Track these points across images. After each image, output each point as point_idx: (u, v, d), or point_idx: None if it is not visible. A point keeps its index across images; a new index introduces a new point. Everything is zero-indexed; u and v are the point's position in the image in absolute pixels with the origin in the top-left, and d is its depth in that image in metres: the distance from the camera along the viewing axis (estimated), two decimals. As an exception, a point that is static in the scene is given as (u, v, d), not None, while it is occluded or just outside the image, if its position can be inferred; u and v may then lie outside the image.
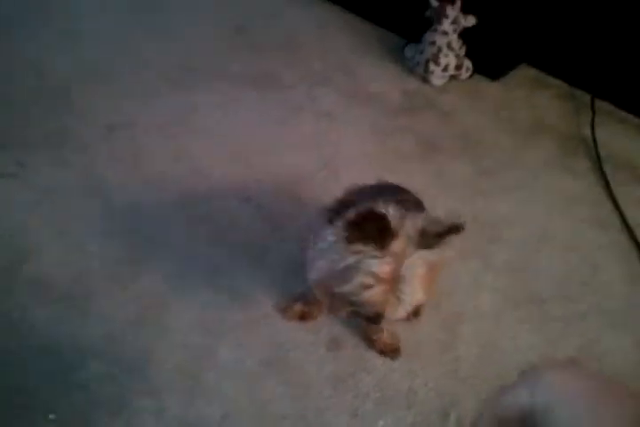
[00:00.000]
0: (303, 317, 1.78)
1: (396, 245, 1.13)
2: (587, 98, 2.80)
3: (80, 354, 1.68)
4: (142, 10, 3.08)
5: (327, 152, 2.43)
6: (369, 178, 2.23)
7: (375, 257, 1.12)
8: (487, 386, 1.69)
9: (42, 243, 1.97)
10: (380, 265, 1.12)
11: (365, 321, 1.25)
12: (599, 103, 2.77)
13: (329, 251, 1.21)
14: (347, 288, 1.15)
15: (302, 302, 1.76)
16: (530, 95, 2.85)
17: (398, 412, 1.65)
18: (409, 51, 2.88)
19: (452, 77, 2.83)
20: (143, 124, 2.45)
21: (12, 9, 2.95)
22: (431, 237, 1.18)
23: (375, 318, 1.19)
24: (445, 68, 2.76)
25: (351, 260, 1.14)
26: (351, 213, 1.16)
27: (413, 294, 1.15)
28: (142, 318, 1.79)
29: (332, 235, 1.21)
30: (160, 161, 2.30)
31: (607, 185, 2.41)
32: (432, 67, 2.74)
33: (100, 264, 1.92)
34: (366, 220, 1.11)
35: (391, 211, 1.17)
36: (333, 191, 2.18)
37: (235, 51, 2.92)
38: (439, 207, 2.16)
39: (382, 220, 1.11)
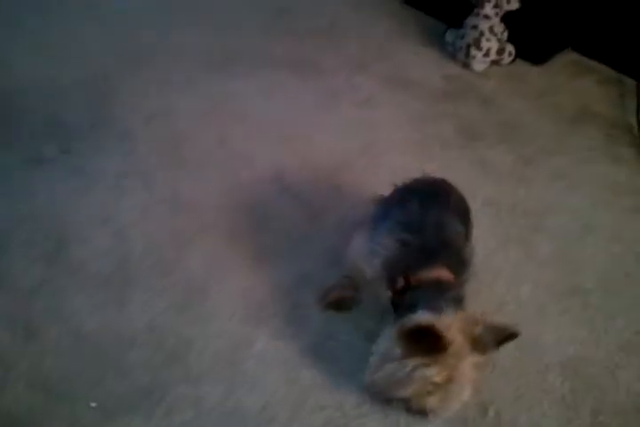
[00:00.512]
0: (339, 306, 1.77)
1: (453, 353, 1.19)
2: (632, 84, 2.75)
3: (120, 342, 1.69)
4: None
5: (367, 139, 2.41)
6: (409, 166, 2.23)
7: (431, 366, 1.19)
8: (526, 381, 1.67)
9: (84, 229, 1.98)
10: (437, 373, 1.19)
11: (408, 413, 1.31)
12: (645, 89, 2.71)
13: (386, 357, 1.29)
14: (402, 394, 1.24)
15: (339, 291, 1.76)
16: (573, 81, 2.79)
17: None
18: (449, 35, 2.84)
19: (494, 62, 2.79)
20: (184, 111, 2.46)
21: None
22: (487, 344, 1.25)
23: (423, 415, 1.26)
24: (487, 53, 2.72)
25: (408, 368, 1.21)
26: (407, 325, 1.23)
27: (463, 394, 1.23)
28: (183, 305, 1.79)
29: (389, 340, 1.30)
30: (201, 147, 2.30)
31: (652, 173, 2.37)
32: (473, 51, 2.70)
33: (141, 251, 1.93)
34: (422, 335, 1.18)
35: (448, 316, 1.25)
36: (373, 179, 2.20)
37: (275, 36, 2.91)
38: (479, 196, 2.17)
39: (438, 335, 1.17)
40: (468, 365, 1.22)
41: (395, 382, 1.24)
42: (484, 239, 2.02)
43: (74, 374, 1.61)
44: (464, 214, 1.66)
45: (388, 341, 1.29)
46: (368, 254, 1.51)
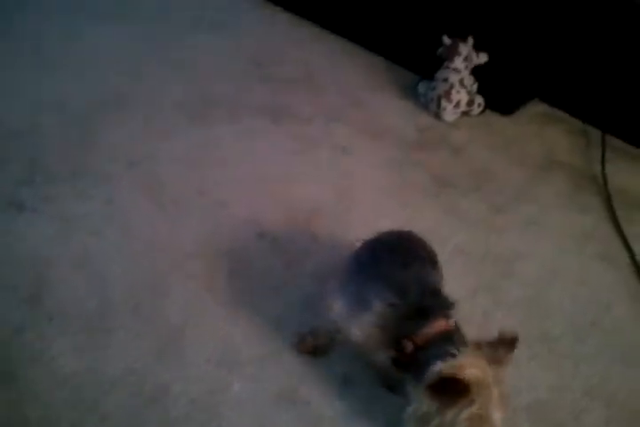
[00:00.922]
0: (315, 351, 1.81)
1: (478, 387, 1.25)
2: (597, 134, 2.86)
3: (100, 385, 1.72)
4: (161, 46, 3.17)
5: (343, 185, 2.48)
6: (383, 212, 2.31)
7: (468, 406, 1.25)
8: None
9: (64, 274, 2.01)
10: (477, 409, 1.24)
11: None
12: (610, 139, 2.83)
13: (426, 418, 1.32)
14: None
15: (314, 336, 1.80)
16: (541, 130, 2.90)
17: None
18: (422, 87, 2.95)
19: (464, 113, 2.90)
20: (164, 157, 2.50)
21: (29, 40, 3.05)
22: (500, 356, 1.35)
23: None
24: (457, 105, 2.82)
25: (450, 417, 1.26)
26: (431, 380, 1.28)
27: (498, 415, 1.26)
28: (161, 349, 1.82)
29: (420, 401, 1.34)
30: (180, 193, 2.34)
31: (616, 221, 2.45)
32: (444, 103, 2.80)
33: (120, 295, 1.96)
34: (447, 385, 1.24)
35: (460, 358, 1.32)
36: (349, 225, 2.26)
37: (252, 85, 3.00)
38: (451, 243, 2.25)
39: (459, 380, 1.23)
40: (495, 392, 1.27)
41: None
42: (454, 287, 2.07)
43: (53, 417, 1.63)
44: (435, 260, 1.72)
45: (419, 402, 1.33)
46: (353, 317, 1.52)
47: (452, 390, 1.23)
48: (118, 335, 1.85)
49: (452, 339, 1.39)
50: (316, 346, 1.80)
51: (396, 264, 1.55)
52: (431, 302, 1.46)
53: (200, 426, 1.65)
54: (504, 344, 1.34)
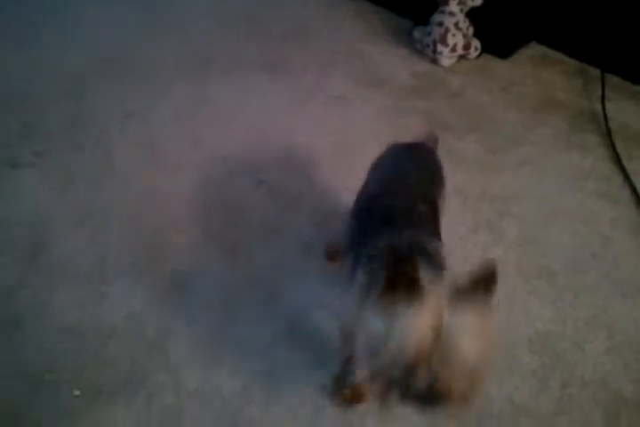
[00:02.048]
0: (353, 399, 1.66)
1: (431, 301, 1.07)
2: (596, 73, 2.82)
3: (101, 333, 1.75)
4: (151, 6, 3.16)
5: (339, 135, 2.47)
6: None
7: (409, 314, 1.05)
8: (497, 356, 1.73)
9: (62, 230, 2.04)
10: (417, 319, 1.04)
11: (424, 405, 1.07)
12: (609, 78, 2.79)
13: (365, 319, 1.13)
14: (390, 353, 1.03)
15: (349, 384, 1.64)
16: (539, 72, 2.87)
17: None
18: (417, 33, 2.91)
19: (461, 57, 2.87)
20: (159, 113, 2.52)
21: (22, 8, 3.05)
22: (470, 289, 1.11)
23: (433, 396, 1.03)
24: (454, 49, 2.79)
25: (386, 322, 1.06)
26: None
27: (466, 352, 1.03)
28: (160, 297, 1.85)
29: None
30: (175, 147, 2.37)
31: (618, 159, 2.43)
32: (440, 47, 2.77)
33: (118, 248, 1.99)
34: (397, 284, 1.06)
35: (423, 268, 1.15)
36: (346, 173, 2.26)
37: (247, 41, 2.99)
38: (449, 185, 2.23)
39: (412, 281, 1.06)
40: (461, 319, 1.05)
41: (378, 342, 1.04)
42: (453, 226, 2.10)
43: (57, 365, 1.67)
44: (440, 174, 1.71)
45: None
46: None
47: (407, 292, 1.05)
48: (118, 285, 1.88)
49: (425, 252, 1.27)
50: (354, 395, 1.66)
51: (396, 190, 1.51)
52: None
53: (202, 366, 1.69)
54: (483, 274, 1.20)
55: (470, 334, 1.04)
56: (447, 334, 1.02)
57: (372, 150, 2.39)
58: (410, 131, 2.49)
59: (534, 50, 2.99)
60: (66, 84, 2.62)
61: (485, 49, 2.89)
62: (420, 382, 1.02)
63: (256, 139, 2.43)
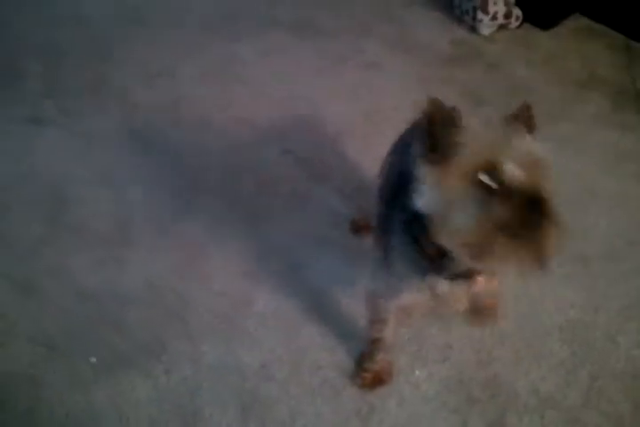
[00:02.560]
0: (375, 382, 1.61)
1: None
2: (640, 49, 2.70)
3: (119, 300, 1.71)
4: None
5: (371, 103, 2.39)
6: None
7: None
8: (525, 345, 1.68)
9: (83, 190, 1.99)
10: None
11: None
12: (654, 55, 2.67)
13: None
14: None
15: (371, 366, 1.59)
16: (582, 46, 2.75)
17: (433, 365, 1.65)
18: (457, -1, 2.80)
19: (501, 26, 2.75)
20: (184, 72, 2.45)
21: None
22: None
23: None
24: (494, 17, 2.68)
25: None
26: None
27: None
28: (182, 264, 1.81)
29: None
30: (201, 109, 2.30)
31: (659, 140, 2.34)
32: (480, 15, 2.66)
33: (141, 212, 1.94)
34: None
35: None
36: (376, 144, 2.18)
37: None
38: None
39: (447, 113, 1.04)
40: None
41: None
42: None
43: (74, 331, 1.64)
44: None
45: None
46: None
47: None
48: (138, 251, 1.84)
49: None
50: (375, 376, 1.60)
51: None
52: None
53: (223, 340, 1.64)
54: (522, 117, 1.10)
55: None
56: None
57: (404, 121, 2.32)
58: (444, 101, 2.40)
59: (578, 22, 2.86)
60: (90, 38, 2.54)
61: (527, 19, 2.78)
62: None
63: (284, 104, 2.35)
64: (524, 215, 0.90)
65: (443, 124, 1.00)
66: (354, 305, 1.71)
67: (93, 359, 1.57)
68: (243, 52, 2.57)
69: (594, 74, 2.61)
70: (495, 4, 2.65)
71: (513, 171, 0.92)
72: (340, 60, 2.59)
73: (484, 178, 0.92)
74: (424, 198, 1.00)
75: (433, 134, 0.99)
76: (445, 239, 0.98)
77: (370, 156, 2.13)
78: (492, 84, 2.51)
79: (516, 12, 2.73)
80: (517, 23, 2.77)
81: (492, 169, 0.92)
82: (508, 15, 2.70)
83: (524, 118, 1.09)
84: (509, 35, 2.76)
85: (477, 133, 0.99)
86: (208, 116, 2.27)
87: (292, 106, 2.34)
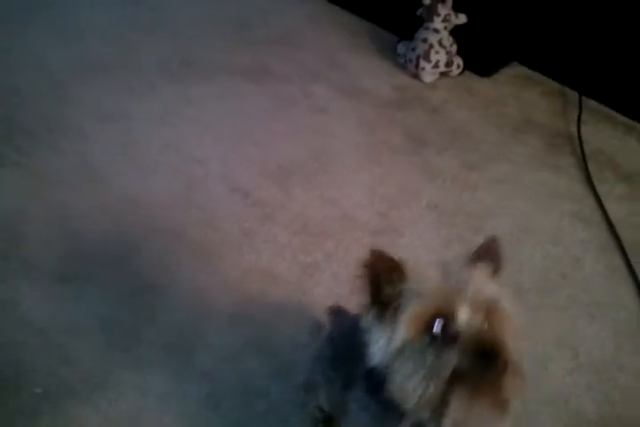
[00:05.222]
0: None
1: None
2: (575, 96, 2.85)
3: (69, 332, 1.74)
4: (141, 8, 3.14)
5: (318, 144, 2.48)
6: (357, 171, 2.33)
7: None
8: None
9: (37, 230, 2.02)
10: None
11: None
12: (587, 101, 2.83)
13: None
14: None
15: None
16: (519, 92, 2.90)
17: None
18: (401, 47, 2.93)
19: (443, 74, 2.89)
20: (139, 115, 2.51)
21: (12, 6, 3.02)
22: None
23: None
24: (436, 65, 2.81)
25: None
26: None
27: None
28: (133, 300, 1.84)
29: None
30: (154, 150, 2.36)
31: (590, 181, 2.46)
32: (423, 63, 2.79)
33: (93, 250, 1.98)
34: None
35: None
36: (323, 182, 2.28)
37: (232, 46, 2.98)
38: (424, 199, 2.26)
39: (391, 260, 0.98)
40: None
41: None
42: (426, 240, 2.12)
43: (18, 362, 1.65)
44: None
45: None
46: None
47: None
48: (91, 287, 1.87)
49: None
50: None
51: None
52: None
53: (169, 370, 1.68)
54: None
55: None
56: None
57: (350, 162, 2.43)
58: (388, 144, 2.51)
59: (516, 70, 3.03)
60: (48, 82, 2.60)
61: (467, 67, 2.92)
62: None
63: (235, 145, 2.43)
64: (480, 363, 0.86)
65: (386, 273, 0.95)
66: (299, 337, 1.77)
67: (38, 390, 1.59)
68: (196, 96, 2.64)
69: (530, 118, 2.76)
70: (437, 53, 2.78)
71: (467, 318, 0.90)
72: (290, 103, 2.69)
73: (436, 326, 0.90)
74: (375, 353, 0.96)
75: (376, 285, 0.96)
76: (400, 394, 0.92)
77: (317, 195, 2.23)
78: (434, 128, 2.63)
79: (457, 60, 2.87)
80: (458, 71, 2.91)
81: (446, 316, 0.90)
82: (449, 63, 2.84)
83: (490, 255, 1.04)
84: (451, 82, 2.90)
85: (429, 280, 0.94)
86: (160, 156, 2.33)
87: (242, 146, 2.42)
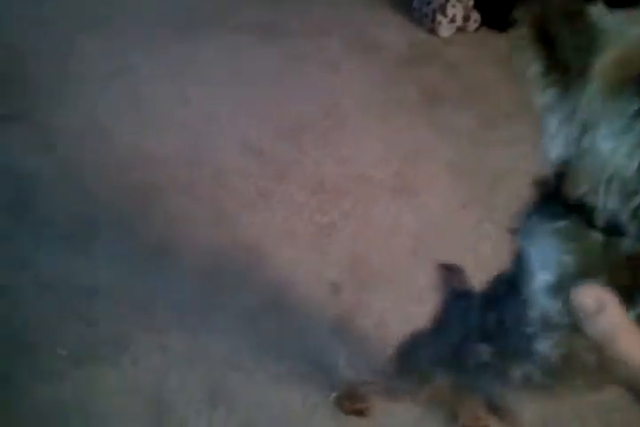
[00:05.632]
0: (360, 412, 1.57)
1: None
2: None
3: (88, 293, 1.71)
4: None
5: (331, 101, 2.42)
6: (372, 128, 2.27)
7: None
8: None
9: (46, 186, 1.98)
10: None
11: None
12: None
13: None
14: None
15: (358, 395, 1.56)
16: (537, 48, 2.82)
17: None
18: (416, 2, 2.85)
19: (460, 29, 2.81)
20: (146, 72, 2.45)
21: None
22: None
23: None
24: (453, 19, 2.74)
25: None
26: None
27: None
28: (146, 258, 1.82)
29: None
30: (161, 106, 2.31)
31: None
32: (439, 17, 2.72)
33: (104, 206, 1.94)
34: None
35: None
36: (337, 139, 2.23)
37: (237, 0, 2.89)
38: (441, 157, 2.22)
39: None
40: None
41: None
42: (443, 200, 2.08)
43: (41, 325, 1.63)
44: None
45: None
46: None
47: None
48: (103, 244, 1.84)
49: None
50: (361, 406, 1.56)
51: None
52: None
53: (189, 331, 1.66)
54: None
55: None
56: None
57: (364, 119, 2.37)
58: (403, 101, 2.45)
59: (533, 25, 2.94)
60: (50, 37, 2.53)
61: (485, 22, 2.84)
62: None
63: (245, 102, 2.37)
64: None
65: (563, 20, 0.63)
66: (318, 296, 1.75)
67: (62, 351, 1.58)
68: (203, 52, 2.58)
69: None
70: (454, 6, 2.71)
71: None
72: (301, 60, 2.62)
73: None
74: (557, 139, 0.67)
75: (549, 39, 0.65)
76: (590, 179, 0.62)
77: (328, 153, 2.19)
78: (451, 84, 2.56)
79: (474, 15, 2.80)
80: (475, 26, 2.83)
81: None
82: (466, 18, 2.77)
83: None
84: (468, 37, 2.82)
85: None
86: (168, 113, 2.28)
87: (253, 104, 2.37)
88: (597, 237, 0.65)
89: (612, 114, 0.59)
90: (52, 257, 1.79)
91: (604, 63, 0.59)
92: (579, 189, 0.64)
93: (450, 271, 1.42)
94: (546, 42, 0.65)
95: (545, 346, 0.72)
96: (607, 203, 0.60)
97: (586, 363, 0.72)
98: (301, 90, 2.48)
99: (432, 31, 2.79)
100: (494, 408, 1.13)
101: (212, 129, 2.25)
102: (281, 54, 2.64)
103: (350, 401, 1.54)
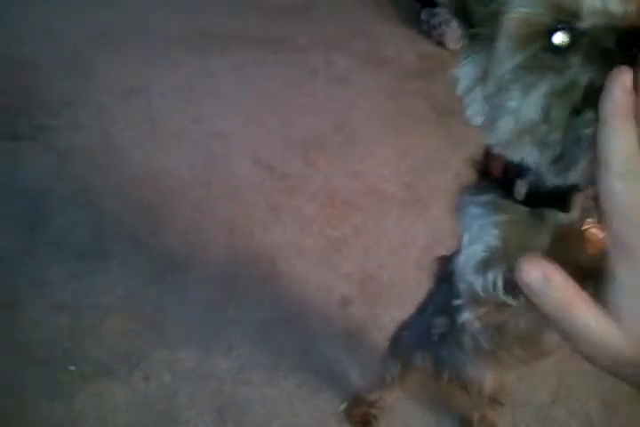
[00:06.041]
0: (367, 421, 1.58)
1: None
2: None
3: (97, 310, 1.73)
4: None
5: (341, 115, 2.44)
6: (381, 142, 2.28)
7: None
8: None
9: (60, 204, 2.01)
10: None
11: None
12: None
13: None
14: None
15: (365, 405, 1.57)
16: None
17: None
18: (425, 14, 2.87)
19: (468, 41, 2.82)
20: (158, 89, 2.47)
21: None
22: None
23: None
24: (460, 31, 2.75)
25: None
26: None
27: None
28: (158, 274, 1.83)
29: None
30: (175, 124, 2.33)
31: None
32: (447, 29, 2.73)
33: (116, 224, 1.96)
34: None
35: None
36: (347, 154, 2.25)
37: (250, 15, 2.93)
38: (451, 170, 2.22)
39: None
40: None
41: None
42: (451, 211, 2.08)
43: (51, 341, 1.65)
44: None
45: None
46: None
47: None
48: (115, 261, 1.86)
49: None
50: (367, 415, 1.58)
51: None
52: None
53: (199, 347, 1.67)
54: None
55: None
56: None
57: (374, 133, 2.38)
58: (413, 114, 2.47)
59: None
60: (65, 57, 2.57)
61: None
62: None
63: (256, 117, 2.40)
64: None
65: None
66: (329, 310, 1.76)
67: (72, 367, 1.59)
68: (215, 68, 2.61)
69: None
70: (462, 18, 2.72)
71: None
72: (312, 74, 2.64)
73: (556, 36, 0.55)
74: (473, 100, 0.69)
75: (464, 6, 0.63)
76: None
77: (340, 167, 2.20)
78: (459, 97, 2.57)
79: (482, 26, 2.81)
80: (484, 37, 2.84)
81: (567, 17, 0.55)
82: (474, 29, 2.78)
83: None
84: (476, 48, 2.83)
85: None
86: (181, 130, 2.30)
87: (264, 119, 2.38)
88: (521, 209, 0.68)
89: (521, 70, 0.60)
90: (64, 274, 1.81)
91: (511, 20, 0.58)
92: (498, 145, 0.66)
93: (448, 264, 1.44)
94: (465, 16, 0.64)
95: (468, 318, 0.75)
96: (526, 157, 0.62)
97: (516, 334, 0.81)
98: (312, 104, 2.50)
99: (440, 43, 2.81)
100: (458, 378, 1.16)
101: (223, 144, 2.27)
102: (292, 69, 2.67)
103: (358, 410, 1.55)
